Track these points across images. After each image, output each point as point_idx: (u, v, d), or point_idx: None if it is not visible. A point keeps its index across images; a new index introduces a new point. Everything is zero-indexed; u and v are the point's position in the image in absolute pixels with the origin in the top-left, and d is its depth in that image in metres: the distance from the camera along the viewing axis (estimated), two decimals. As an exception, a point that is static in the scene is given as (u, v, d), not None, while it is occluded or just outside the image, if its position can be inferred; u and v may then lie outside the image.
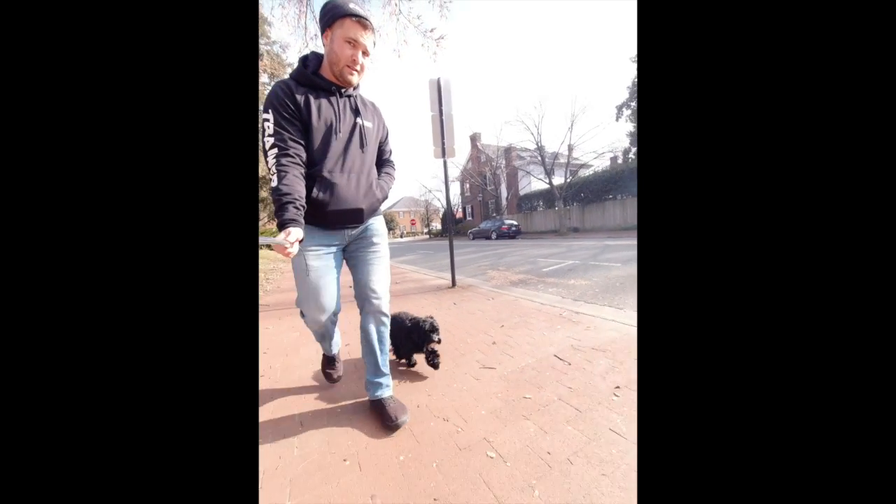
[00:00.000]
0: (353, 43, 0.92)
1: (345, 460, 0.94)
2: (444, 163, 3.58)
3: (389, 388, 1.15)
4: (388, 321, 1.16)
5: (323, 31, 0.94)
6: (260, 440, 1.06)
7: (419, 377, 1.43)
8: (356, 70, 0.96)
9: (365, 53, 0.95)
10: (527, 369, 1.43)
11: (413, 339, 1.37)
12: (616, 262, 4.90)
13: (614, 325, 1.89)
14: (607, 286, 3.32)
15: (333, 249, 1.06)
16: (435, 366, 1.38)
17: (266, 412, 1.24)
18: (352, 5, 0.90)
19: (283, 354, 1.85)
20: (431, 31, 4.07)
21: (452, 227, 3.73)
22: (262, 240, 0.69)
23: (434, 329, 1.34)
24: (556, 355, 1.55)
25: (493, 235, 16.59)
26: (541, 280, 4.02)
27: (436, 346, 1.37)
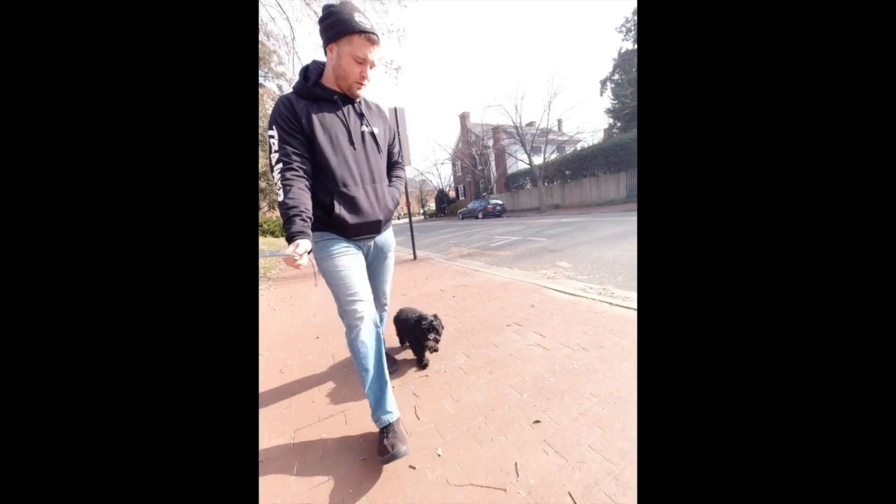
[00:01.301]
0: (363, 61, 0.93)
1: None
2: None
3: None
4: (387, 308, 1.41)
5: (327, 43, 0.93)
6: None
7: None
8: (364, 85, 0.99)
9: (372, 66, 0.97)
10: (420, 295, 2.86)
11: (416, 334, 1.44)
12: (544, 237, 6.29)
13: (488, 276, 3.30)
14: (520, 256, 4.73)
15: (359, 252, 1.10)
16: (422, 366, 1.51)
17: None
18: (358, 17, 0.89)
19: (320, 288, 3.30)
20: (391, 62, 5.20)
21: (411, 216, 5.08)
22: (271, 253, 0.76)
23: (432, 328, 1.40)
24: (440, 289, 2.98)
25: (480, 215, 17.72)
26: (482, 253, 5.43)
27: (433, 344, 1.43)
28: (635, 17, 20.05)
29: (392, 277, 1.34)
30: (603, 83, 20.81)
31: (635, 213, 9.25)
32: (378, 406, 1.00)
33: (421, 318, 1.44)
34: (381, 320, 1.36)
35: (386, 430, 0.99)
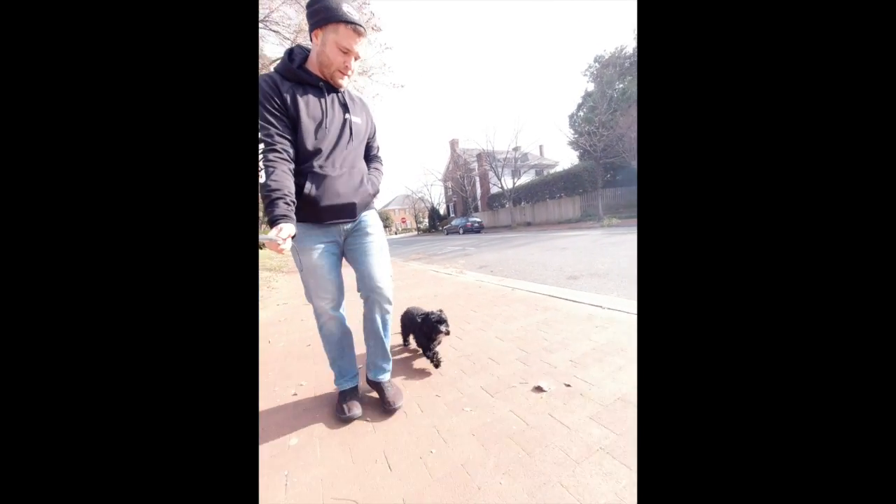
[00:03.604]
0: (347, 51, 0.94)
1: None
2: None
3: (389, 373, 1.23)
4: (390, 308, 1.17)
5: (312, 28, 0.94)
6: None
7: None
8: (347, 75, 1.00)
9: (356, 58, 0.98)
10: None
11: (424, 331, 1.43)
12: (476, 248, 8.74)
13: (410, 267, 5.70)
14: (446, 258, 7.12)
15: (331, 246, 1.09)
16: (436, 364, 1.45)
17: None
18: (346, 7, 0.90)
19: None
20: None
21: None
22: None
23: (441, 321, 1.41)
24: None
25: (461, 231, 20.23)
26: (428, 258, 7.84)
27: (443, 337, 1.44)
28: (597, 64, 23.33)
29: (385, 262, 1.14)
30: (571, 118, 23.82)
31: (574, 230, 11.85)
32: (340, 377, 1.21)
33: (427, 314, 1.45)
34: (385, 324, 1.18)
35: (344, 394, 1.18)
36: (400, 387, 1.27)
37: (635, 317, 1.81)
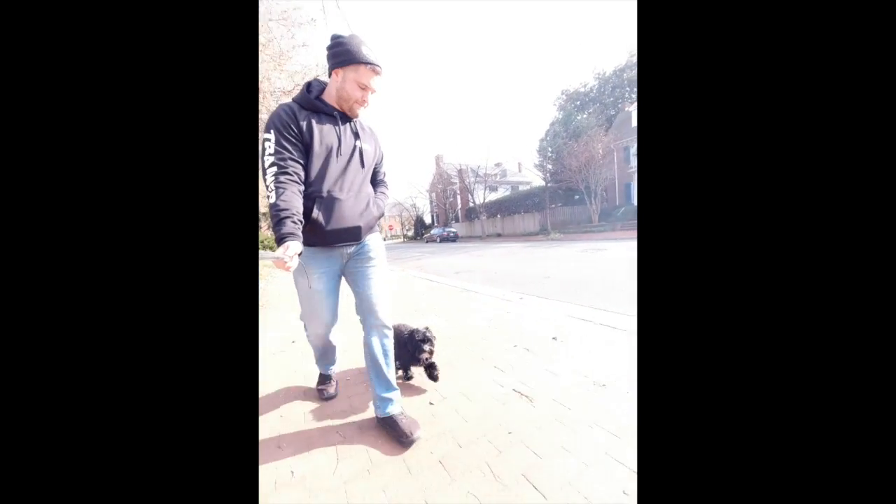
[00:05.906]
0: (366, 87, 1.05)
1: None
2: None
3: (399, 404, 1.17)
4: (390, 333, 1.20)
5: (333, 67, 1.04)
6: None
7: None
8: (364, 106, 1.10)
9: (373, 92, 1.09)
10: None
11: (408, 349, 1.40)
12: (432, 254, 11.13)
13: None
14: (403, 261, 9.41)
15: (335, 270, 1.15)
16: (434, 378, 1.42)
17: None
18: (365, 50, 1.00)
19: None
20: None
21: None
22: (261, 255, 0.76)
23: (426, 339, 1.38)
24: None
25: (438, 240, 22.64)
26: (391, 260, 10.14)
27: (430, 356, 1.40)
28: (564, 96, 26.44)
29: (384, 287, 1.19)
30: (541, 142, 26.75)
31: (522, 242, 14.47)
32: (319, 362, 1.44)
33: (413, 332, 1.41)
34: (386, 351, 1.18)
35: (322, 377, 1.47)
36: (413, 417, 1.18)
37: (445, 284, 4.19)
